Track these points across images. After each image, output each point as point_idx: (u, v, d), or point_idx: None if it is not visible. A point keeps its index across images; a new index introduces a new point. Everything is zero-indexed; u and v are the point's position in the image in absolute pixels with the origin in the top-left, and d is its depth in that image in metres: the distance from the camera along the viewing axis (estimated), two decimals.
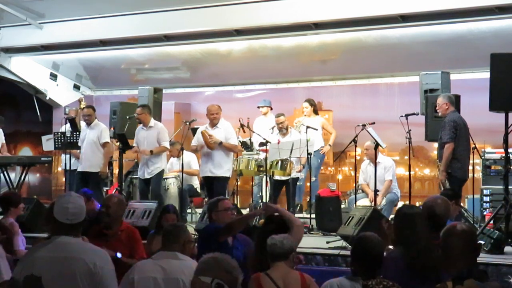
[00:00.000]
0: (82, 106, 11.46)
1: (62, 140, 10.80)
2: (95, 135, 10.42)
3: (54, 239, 3.71)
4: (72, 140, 10.69)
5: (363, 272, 4.11)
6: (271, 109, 11.47)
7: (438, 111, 8.55)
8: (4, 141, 12.04)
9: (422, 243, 4.44)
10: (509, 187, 7.78)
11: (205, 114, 10.00)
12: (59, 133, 10.98)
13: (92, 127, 10.49)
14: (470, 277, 3.10)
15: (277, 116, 10.42)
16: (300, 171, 10.14)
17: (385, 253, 4.37)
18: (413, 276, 4.30)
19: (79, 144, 10.56)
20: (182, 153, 10.19)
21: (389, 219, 5.53)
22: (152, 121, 10.33)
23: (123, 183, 10.79)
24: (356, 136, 9.25)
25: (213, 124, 9.78)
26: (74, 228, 3.71)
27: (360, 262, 4.17)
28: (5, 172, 11.41)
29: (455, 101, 8.94)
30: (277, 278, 4.45)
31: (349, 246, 7.60)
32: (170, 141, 10.62)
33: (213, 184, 9.77)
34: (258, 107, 11.52)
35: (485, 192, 9.43)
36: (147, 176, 10.15)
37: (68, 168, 10.73)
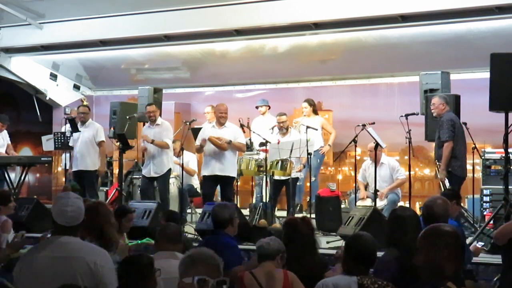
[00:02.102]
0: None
1: (62, 140, 10.81)
2: (91, 134, 10.43)
3: (54, 239, 3.71)
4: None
5: (357, 271, 4.12)
6: (269, 108, 11.48)
7: (433, 111, 8.57)
8: (9, 142, 12.07)
9: (414, 245, 4.45)
10: (509, 187, 7.79)
11: (208, 112, 9.96)
12: (59, 133, 10.98)
13: (87, 126, 10.50)
14: (467, 277, 3.08)
15: (279, 115, 10.41)
16: (300, 171, 10.15)
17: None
18: (405, 278, 4.29)
19: (70, 144, 10.54)
20: (182, 153, 10.17)
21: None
22: (160, 119, 10.34)
23: (123, 183, 10.79)
24: (356, 136, 9.25)
25: (221, 123, 9.72)
26: (73, 230, 3.72)
27: (354, 260, 4.17)
28: (5, 172, 11.42)
29: (455, 101, 8.98)
30: (260, 277, 4.51)
31: None
32: None
33: (219, 184, 9.76)
34: (257, 107, 11.53)
35: (485, 192, 9.42)
36: (153, 175, 10.10)
37: (67, 168, 10.74)
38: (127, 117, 10.80)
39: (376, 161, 9.30)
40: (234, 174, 9.72)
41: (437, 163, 8.53)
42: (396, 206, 9.45)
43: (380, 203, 9.30)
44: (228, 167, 9.61)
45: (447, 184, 8.23)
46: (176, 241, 4.41)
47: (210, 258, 2.91)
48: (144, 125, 10.71)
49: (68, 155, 10.75)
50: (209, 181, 9.75)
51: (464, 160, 8.48)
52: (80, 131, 10.42)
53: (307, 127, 9.78)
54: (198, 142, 9.87)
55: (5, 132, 12.00)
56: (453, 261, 3.12)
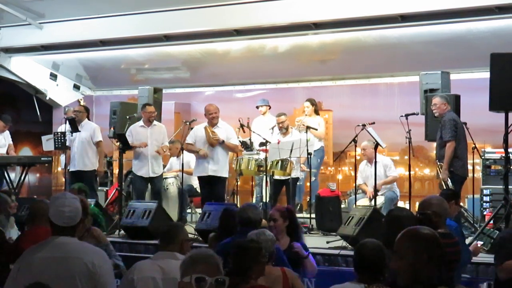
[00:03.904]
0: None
1: (62, 140, 10.81)
2: (87, 134, 10.44)
3: (52, 239, 3.71)
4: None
5: (365, 279, 4.08)
6: (270, 108, 11.48)
7: (435, 111, 8.56)
8: (11, 142, 12.08)
9: None
10: (509, 187, 7.79)
11: (204, 114, 9.96)
12: (59, 133, 10.97)
13: (83, 126, 10.50)
14: (441, 284, 3.01)
15: (278, 116, 10.42)
16: (304, 170, 10.17)
17: None
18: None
19: (67, 144, 10.54)
20: (182, 153, 10.17)
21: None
22: (154, 121, 10.37)
23: (123, 183, 10.78)
24: (356, 136, 9.25)
25: (213, 124, 9.70)
26: (71, 230, 3.71)
27: (361, 269, 4.14)
28: (5, 172, 11.42)
29: (455, 101, 8.98)
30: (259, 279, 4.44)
31: (349, 246, 7.62)
32: (170, 139, 10.70)
33: (212, 184, 9.74)
34: (257, 107, 11.53)
35: (485, 192, 9.43)
36: (152, 175, 10.13)
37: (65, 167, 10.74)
38: (127, 117, 10.79)
39: (376, 160, 9.30)
40: (226, 174, 9.76)
41: (438, 163, 8.52)
42: (394, 204, 9.48)
43: (378, 201, 9.30)
44: (220, 168, 9.63)
45: (450, 184, 8.23)
46: (171, 241, 4.34)
47: (210, 258, 2.93)
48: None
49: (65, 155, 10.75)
50: (203, 182, 9.79)
51: (465, 160, 8.47)
52: (79, 131, 10.41)
53: (307, 127, 9.80)
54: (191, 140, 9.79)
55: (7, 133, 12.02)
56: (431, 267, 3.01)
